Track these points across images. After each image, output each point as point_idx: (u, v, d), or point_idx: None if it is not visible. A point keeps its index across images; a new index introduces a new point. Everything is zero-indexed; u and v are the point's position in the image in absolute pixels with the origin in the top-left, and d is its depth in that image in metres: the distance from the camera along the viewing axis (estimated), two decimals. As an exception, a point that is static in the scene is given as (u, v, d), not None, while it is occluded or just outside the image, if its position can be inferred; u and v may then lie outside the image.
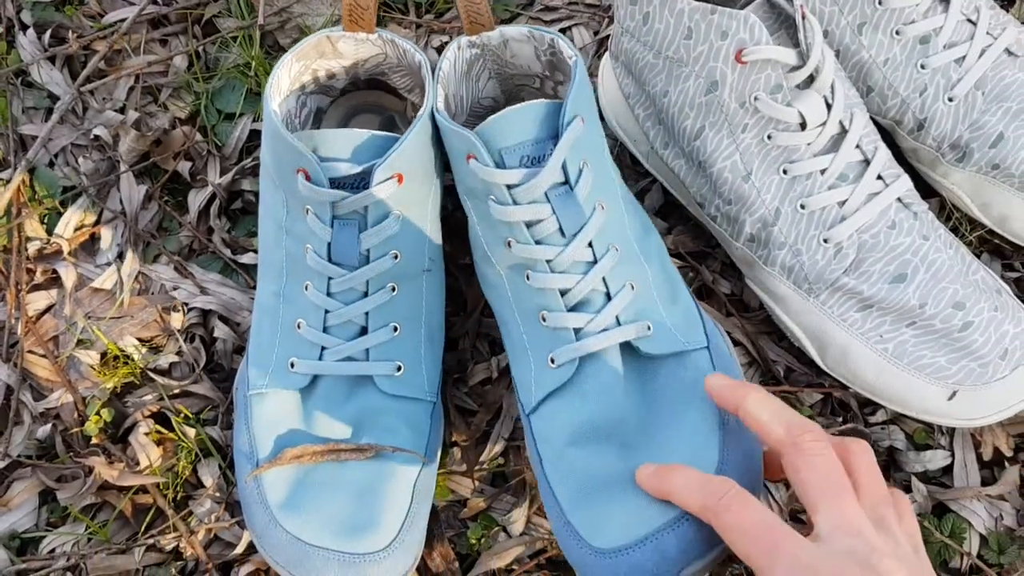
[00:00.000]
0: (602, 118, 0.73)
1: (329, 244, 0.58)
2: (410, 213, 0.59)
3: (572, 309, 0.57)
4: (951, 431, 0.66)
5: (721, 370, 0.58)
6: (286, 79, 0.61)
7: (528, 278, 0.57)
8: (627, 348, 0.57)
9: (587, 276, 0.56)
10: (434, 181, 0.60)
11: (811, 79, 0.60)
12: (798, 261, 0.63)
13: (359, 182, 0.57)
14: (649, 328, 0.57)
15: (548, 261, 0.56)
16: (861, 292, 0.62)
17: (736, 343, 0.69)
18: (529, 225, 0.55)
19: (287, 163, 0.57)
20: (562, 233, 0.55)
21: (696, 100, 0.62)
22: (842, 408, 0.67)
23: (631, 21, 0.65)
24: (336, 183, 0.57)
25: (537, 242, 0.56)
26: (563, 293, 0.56)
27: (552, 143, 0.54)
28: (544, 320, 0.57)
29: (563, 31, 0.83)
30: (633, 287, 0.57)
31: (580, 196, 0.55)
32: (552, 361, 0.57)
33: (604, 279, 0.56)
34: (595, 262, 0.56)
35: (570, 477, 0.56)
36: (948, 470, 0.65)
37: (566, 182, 0.55)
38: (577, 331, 0.56)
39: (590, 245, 0.56)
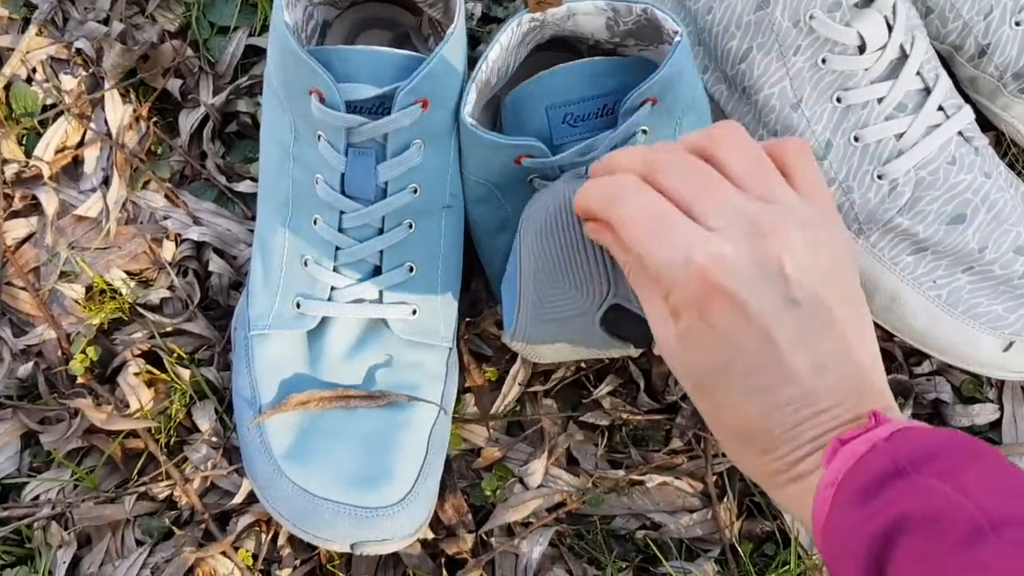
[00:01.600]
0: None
1: (343, 175, 0.54)
2: (433, 143, 0.54)
3: None
4: (1000, 384, 0.63)
5: None
6: (296, -15, 0.55)
7: None
8: None
9: None
10: (460, 108, 0.55)
11: None
12: (848, 199, 0.59)
13: (378, 106, 0.52)
14: None
15: None
16: (916, 233, 0.58)
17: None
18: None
19: (298, 83, 0.51)
20: None
21: (744, 18, 0.57)
22: (886, 358, 0.63)
23: None
24: (353, 107, 0.51)
25: None
26: None
27: (601, 101, 0.54)
28: None
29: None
30: None
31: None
32: None
33: None
34: None
35: None
36: (996, 424, 0.62)
37: None
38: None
39: None
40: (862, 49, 0.56)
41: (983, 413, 0.62)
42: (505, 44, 0.55)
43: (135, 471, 0.62)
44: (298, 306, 0.56)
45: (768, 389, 0.38)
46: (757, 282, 0.37)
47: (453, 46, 0.51)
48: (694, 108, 0.54)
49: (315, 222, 0.55)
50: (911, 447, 0.35)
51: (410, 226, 0.55)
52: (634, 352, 0.59)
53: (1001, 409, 0.62)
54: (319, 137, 0.53)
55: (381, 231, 0.55)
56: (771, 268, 0.37)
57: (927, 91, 0.58)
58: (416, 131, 0.52)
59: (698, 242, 0.38)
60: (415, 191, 0.54)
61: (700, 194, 0.39)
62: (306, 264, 0.56)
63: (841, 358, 0.38)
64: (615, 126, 0.52)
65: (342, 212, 0.55)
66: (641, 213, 0.40)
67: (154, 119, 0.71)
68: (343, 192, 0.54)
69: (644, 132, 0.52)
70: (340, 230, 0.55)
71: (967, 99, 0.67)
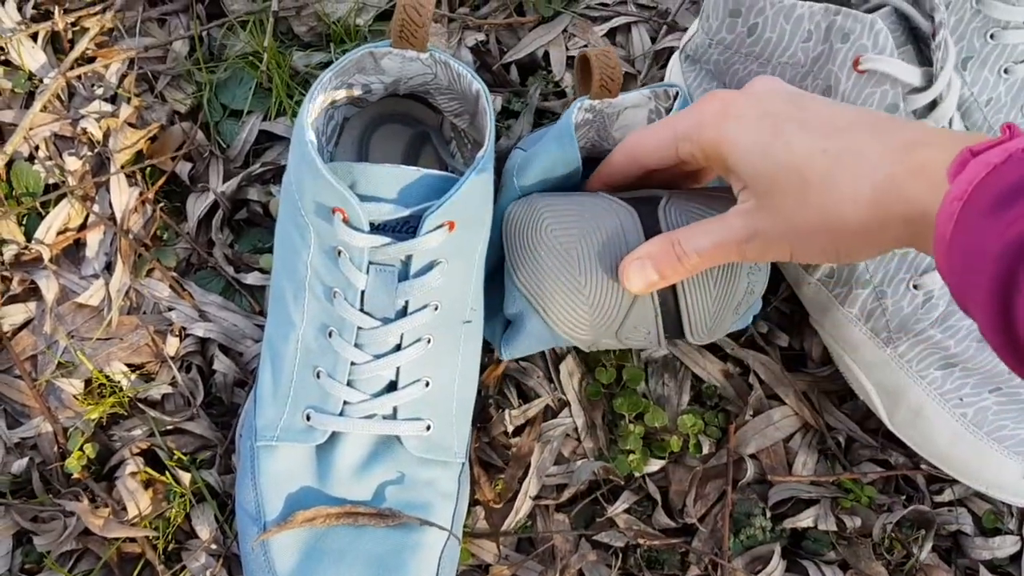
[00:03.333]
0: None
1: (363, 292, 0.51)
2: (457, 262, 0.52)
3: None
4: (1022, 515, 0.61)
5: None
6: (321, 99, 0.53)
7: None
8: None
9: None
10: (486, 226, 0.53)
11: (932, 106, 0.54)
12: (881, 304, 0.57)
13: (403, 225, 0.50)
14: None
15: None
16: (947, 348, 0.57)
17: (789, 405, 0.63)
18: None
19: (322, 200, 0.49)
20: None
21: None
22: (908, 486, 0.62)
23: (729, 34, 0.59)
24: (378, 227, 0.49)
25: None
26: None
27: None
28: None
29: (617, 31, 0.75)
30: None
31: None
32: None
33: None
34: None
35: None
36: (1016, 557, 0.60)
37: None
38: None
39: None
40: None
41: (1003, 546, 0.60)
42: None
43: (130, 578, 0.59)
44: (308, 419, 0.54)
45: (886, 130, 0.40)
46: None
47: (484, 168, 0.50)
48: None
49: (330, 335, 0.53)
50: None
51: (428, 342, 0.53)
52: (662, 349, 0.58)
53: (1022, 541, 0.61)
54: (339, 253, 0.51)
55: (399, 347, 0.53)
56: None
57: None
58: (441, 252, 0.50)
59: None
60: (436, 308, 0.52)
61: None
62: (318, 376, 0.54)
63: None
64: None
65: (359, 328, 0.52)
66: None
67: (161, 204, 0.69)
68: (362, 309, 0.52)
69: None
70: (356, 345, 0.53)
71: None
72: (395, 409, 0.54)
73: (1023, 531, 0.61)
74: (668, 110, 0.57)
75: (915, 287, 0.56)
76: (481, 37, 0.74)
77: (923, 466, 0.61)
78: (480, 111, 0.53)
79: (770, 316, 0.66)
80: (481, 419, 0.63)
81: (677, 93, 0.55)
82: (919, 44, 0.55)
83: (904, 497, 0.61)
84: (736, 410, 0.63)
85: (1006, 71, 0.59)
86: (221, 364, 0.64)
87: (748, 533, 0.59)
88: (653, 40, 0.74)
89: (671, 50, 0.72)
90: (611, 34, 0.75)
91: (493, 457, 0.63)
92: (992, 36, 0.59)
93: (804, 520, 0.60)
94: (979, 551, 0.60)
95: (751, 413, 0.63)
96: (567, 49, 0.73)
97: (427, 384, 0.54)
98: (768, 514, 0.60)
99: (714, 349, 0.65)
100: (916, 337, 0.57)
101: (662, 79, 0.70)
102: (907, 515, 0.60)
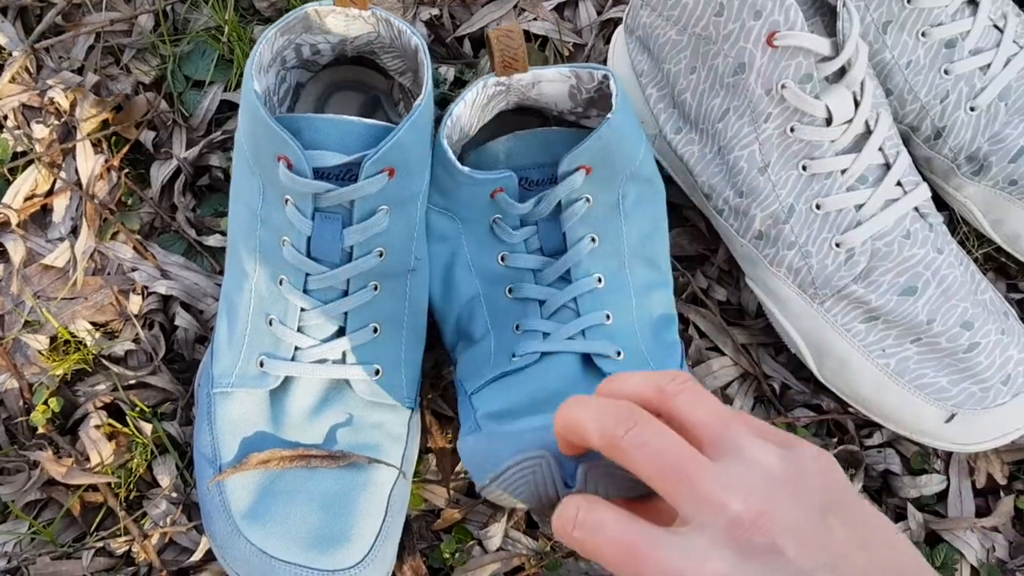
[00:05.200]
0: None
1: (309, 238, 0.54)
2: (399, 209, 0.54)
3: (546, 318, 0.58)
4: (947, 456, 0.64)
5: None
6: (268, 55, 0.55)
7: (510, 291, 0.58)
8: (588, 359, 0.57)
9: (561, 292, 0.57)
10: (426, 176, 0.56)
11: (842, 72, 0.57)
12: (806, 263, 0.60)
13: (346, 173, 0.52)
14: (619, 353, 0.57)
15: (534, 272, 0.58)
16: (869, 302, 0.59)
17: (727, 355, 0.66)
18: (525, 240, 0.58)
19: (267, 149, 0.52)
20: (545, 253, 0.58)
21: (724, 80, 0.59)
22: (838, 429, 0.64)
23: None
24: (320, 174, 0.52)
25: (530, 252, 0.58)
26: (540, 303, 0.58)
27: (553, 169, 0.57)
28: (517, 329, 0.58)
29: (565, 6, 0.78)
30: (609, 317, 0.57)
31: (565, 225, 0.57)
32: (513, 356, 0.58)
33: (576, 299, 0.57)
34: (570, 282, 0.58)
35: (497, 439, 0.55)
36: (943, 496, 0.63)
37: (559, 211, 0.57)
38: (545, 335, 0.57)
39: (568, 270, 0.57)
40: (829, 121, 0.58)
41: (930, 484, 0.63)
42: (470, 102, 0.57)
43: (93, 525, 0.61)
44: (261, 365, 0.57)
45: None
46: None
47: (420, 117, 0.52)
48: (637, 180, 0.57)
49: (280, 283, 0.56)
50: None
51: (375, 288, 0.56)
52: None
53: (948, 481, 0.63)
54: (287, 201, 0.53)
55: (346, 293, 0.56)
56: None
57: (887, 166, 0.59)
58: (382, 198, 0.53)
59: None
60: (380, 255, 0.55)
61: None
62: (271, 323, 0.56)
63: None
64: None
65: (308, 274, 0.55)
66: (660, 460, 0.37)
67: (125, 170, 0.71)
68: (309, 255, 0.55)
69: (588, 200, 0.56)
70: (305, 291, 0.55)
71: (923, 178, 0.69)
72: (344, 354, 0.57)
73: (949, 471, 0.64)
74: (594, 91, 0.58)
75: (837, 245, 0.59)
76: (435, 12, 0.77)
77: (852, 411, 0.64)
78: (420, 65, 0.55)
79: (709, 273, 0.69)
80: (435, 375, 0.66)
81: (605, 76, 0.56)
82: (826, 17, 0.58)
83: (835, 440, 0.64)
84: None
85: (923, 34, 0.63)
86: (182, 320, 0.66)
87: (687, 475, 0.62)
88: (599, 13, 0.77)
89: (616, 21, 0.75)
90: (559, 8, 0.78)
91: (445, 408, 0.65)
92: (909, 1, 0.62)
93: (740, 462, 0.62)
94: (907, 489, 0.63)
95: (691, 363, 0.65)
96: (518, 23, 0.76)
97: (375, 330, 0.57)
98: (706, 457, 0.63)
99: (657, 304, 0.67)
100: (840, 293, 0.60)
101: (606, 50, 0.73)
102: (837, 455, 0.62)
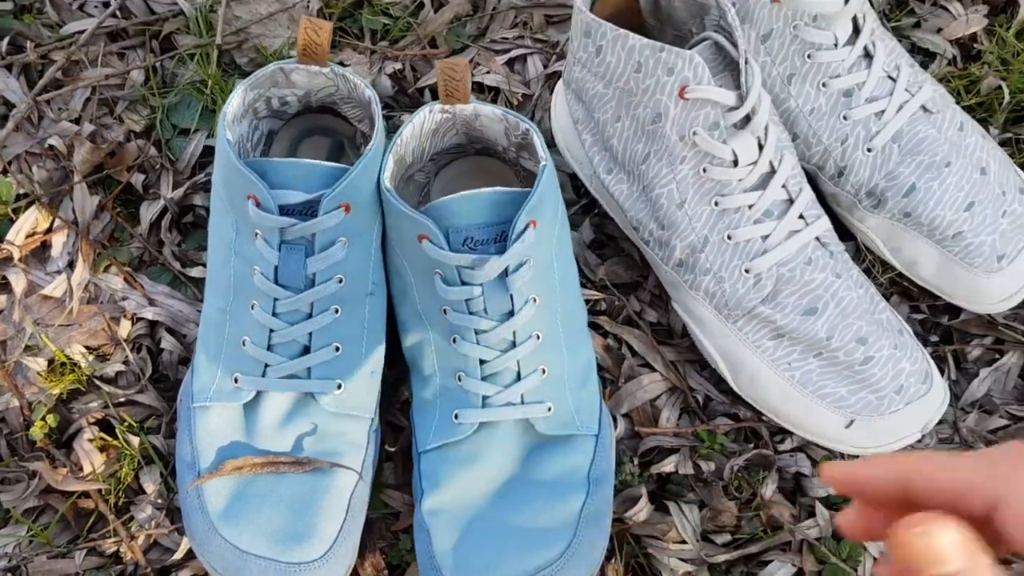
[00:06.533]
0: (553, 144, 0.77)
1: (276, 267, 0.61)
2: (356, 240, 0.62)
3: (485, 379, 0.63)
4: (853, 460, 0.70)
5: (600, 460, 0.65)
6: (240, 107, 0.63)
7: (455, 342, 0.63)
8: (525, 421, 0.64)
9: (504, 355, 0.62)
10: (379, 211, 0.63)
11: (747, 120, 0.64)
12: (720, 288, 0.67)
13: (307, 209, 0.60)
14: (550, 409, 0.63)
15: (476, 332, 0.62)
16: (775, 321, 0.66)
17: (657, 371, 0.73)
18: (467, 300, 0.61)
19: (238, 189, 0.59)
20: (490, 314, 0.61)
21: (645, 127, 0.66)
22: (754, 436, 0.71)
23: (584, 53, 0.69)
24: (285, 210, 0.59)
25: (471, 313, 0.62)
26: (482, 362, 0.63)
27: (499, 228, 0.59)
28: (459, 380, 0.63)
29: (516, 61, 0.86)
30: (544, 371, 0.63)
31: (512, 287, 0.60)
32: (456, 417, 0.63)
33: (518, 361, 0.62)
34: (515, 345, 0.62)
35: (443, 516, 0.63)
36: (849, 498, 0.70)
37: (505, 274, 0.60)
38: (485, 398, 0.63)
39: (513, 332, 0.62)
40: (736, 163, 0.65)
41: (837, 485, 0.69)
42: (418, 125, 0.64)
43: (86, 528, 0.68)
44: (236, 381, 0.63)
45: None
46: None
47: (372, 160, 0.60)
48: (559, 219, 0.63)
49: (252, 307, 0.63)
50: None
51: (336, 311, 0.63)
52: None
53: (855, 482, 0.70)
54: (256, 235, 0.61)
55: (310, 315, 0.63)
56: None
57: (791, 201, 0.66)
58: (340, 231, 0.60)
59: None
60: (340, 281, 0.62)
61: None
62: (244, 344, 0.63)
63: None
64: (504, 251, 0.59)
65: (276, 299, 0.62)
66: None
67: (117, 209, 0.79)
68: (277, 282, 0.62)
69: (530, 263, 0.60)
70: (274, 314, 0.62)
71: (830, 212, 0.76)
72: (309, 370, 0.64)
73: (856, 473, 0.70)
74: (520, 138, 0.65)
75: (747, 271, 0.67)
76: (399, 66, 0.85)
77: (765, 419, 0.71)
78: (373, 114, 0.63)
79: (642, 297, 0.76)
80: (395, 389, 0.73)
81: (527, 129, 0.63)
82: (734, 71, 0.65)
83: (752, 445, 0.71)
84: (613, 377, 0.73)
85: (824, 85, 0.71)
86: (168, 344, 0.73)
87: (620, 478, 0.69)
88: (545, 67, 0.85)
89: (560, 74, 0.83)
90: (511, 63, 0.86)
91: (402, 420, 0.72)
92: (809, 56, 0.70)
93: (667, 466, 0.69)
94: (816, 490, 0.69)
95: (624, 380, 0.73)
96: (472, 75, 0.85)
97: (337, 349, 0.64)
98: (636, 462, 0.70)
99: (596, 327, 0.75)
100: (750, 313, 0.67)
101: (551, 99, 0.81)
102: (752, 459, 0.69)
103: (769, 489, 0.69)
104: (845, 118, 0.71)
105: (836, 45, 0.69)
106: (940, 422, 0.71)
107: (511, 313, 0.61)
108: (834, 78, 0.70)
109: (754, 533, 0.68)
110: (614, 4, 0.69)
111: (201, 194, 0.79)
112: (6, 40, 0.85)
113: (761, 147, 0.65)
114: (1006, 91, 0.82)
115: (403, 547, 0.68)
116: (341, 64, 0.84)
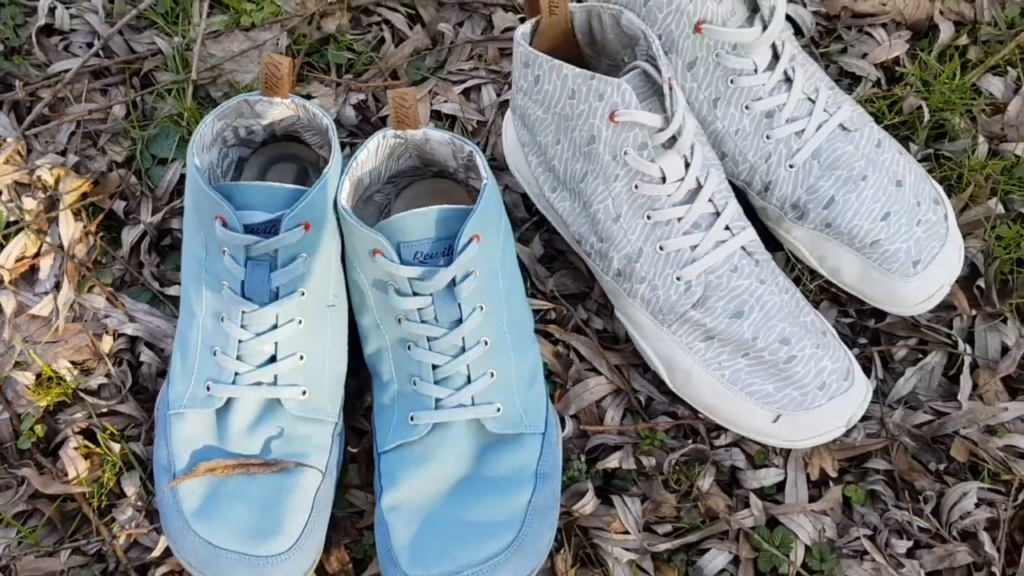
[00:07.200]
0: (505, 167, 0.83)
1: (243, 282, 0.66)
2: (316, 256, 0.67)
3: (437, 382, 0.68)
4: (786, 453, 0.76)
5: (546, 456, 0.70)
6: (208, 136, 0.69)
7: (409, 348, 0.68)
8: (476, 420, 0.68)
9: (455, 360, 0.67)
10: (337, 229, 0.69)
11: (673, 140, 0.70)
12: (655, 295, 0.73)
13: (270, 228, 0.65)
14: (499, 409, 0.68)
15: (429, 340, 0.67)
16: (705, 324, 0.72)
17: (603, 374, 0.79)
18: (419, 310, 0.67)
19: (206, 211, 0.65)
20: (440, 322, 0.67)
21: (581, 149, 0.72)
22: (692, 432, 0.77)
23: (524, 82, 0.74)
24: (250, 229, 0.65)
25: (423, 321, 0.67)
26: (434, 367, 0.68)
27: (446, 242, 0.65)
28: (414, 384, 0.68)
29: (471, 90, 0.92)
30: (493, 374, 0.68)
31: (460, 296, 0.65)
32: (411, 419, 0.68)
33: (468, 365, 0.68)
34: (464, 350, 0.67)
35: (400, 511, 0.67)
36: (781, 487, 0.75)
37: (453, 284, 0.65)
38: (438, 401, 0.68)
39: (462, 338, 0.67)
40: (664, 180, 0.70)
41: (769, 476, 0.74)
42: (373, 149, 0.69)
43: (71, 530, 0.72)
44: (208, 388, 0.68)
45: None
46: None
47: (329, 181, 0.66)
48: (503, 232, 0.69)
49: (222, 319, 0.68)
50: None
51: (299, 322, 0.68)
52: None
53: (785, 474, 0.75)
54: (224, 252, 0.66)
55: (275, 326, 0.68)
56: None
57: (717, 214, 0.72)
58: (301, 247, 0.66)
59: None
60: (302, 294, 0.67)
61: None
62: (215, 354, 0.68)
63: None
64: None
65: (243, 311, 0.67)
66: None
67: (101, 234, 0.85)
68: (243, 295, 0.67)
69: (476, 273, 0.65)
70: (242, 326, 0.67)
71: (760, 224, 0.82)
72: (276, 377, 0.68)
73: (787, 466, 0.75)
74: (466, 159, 0.70)
75: (678, 279, 0.72)
76: (362, 97, 0.91)
77: (702, 416, 0.76)
78: (330, 141, 0.69)
79: (589, 307, 0.82)
80: (358, 395, 0.78)
81: (471, 152, 0.68)
82: (662, 96, 0.70)
83: (690, 441, 0.76)
84: (562, 381, 0.79)
85: (747, 107, 0.76)
86: (147, 358, 0.79)
87: (568, 474, 0.74)
88: (498, 95, 0.92)
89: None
90: (467, 92, 0.92)
91: (365, 425, 0.77)
92: (732, 81, 0.76)
93: (612, 462, 0.74)
94: (750, 481, 0.74)
95: (572, 383, 0.78)
96: (431, 104, 0.91)
97: (301, 357, 0.69)
98: (583, 459, 0.75)
99: (546, 335, 0.80)
100: (682, 318, 0.73)
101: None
102: (690, 454, 0.74)
103: (706, 482, 0.74)
104: (768, 137, 0.77)
105: (756, 71, 0.75)
106: (867, 417, 0.76)
107: (460, 321, 0.66)
108: (756, 101, 0.76)
109: (693, 523, 0.73)
110: (552, 37, 0.75)
111: (178, 218, 0.85)
112: (-4, 79, 0.91)
113: (688, 165, 0.71)
114: (926, 110, 0.88)
115: (367, 543, 0.72)
116: (308, 96, 0.90)
